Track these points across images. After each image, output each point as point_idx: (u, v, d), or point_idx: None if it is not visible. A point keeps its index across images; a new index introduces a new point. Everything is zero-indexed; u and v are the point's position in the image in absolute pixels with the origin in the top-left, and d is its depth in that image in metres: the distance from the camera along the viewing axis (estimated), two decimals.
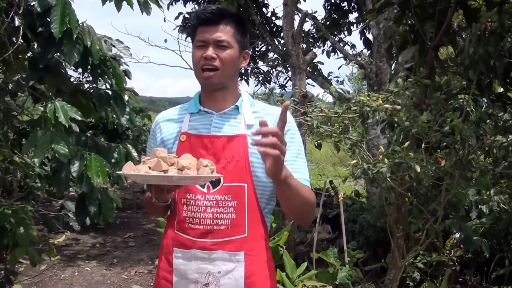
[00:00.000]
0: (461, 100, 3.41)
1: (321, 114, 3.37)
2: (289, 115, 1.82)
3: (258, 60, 9.41)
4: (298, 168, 1.83)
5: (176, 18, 9.10)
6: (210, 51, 1.79)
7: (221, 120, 1.86)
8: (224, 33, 1.81)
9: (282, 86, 9.72)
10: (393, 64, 5.35)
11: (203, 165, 1.61)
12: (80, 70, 3.50)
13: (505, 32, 2.60)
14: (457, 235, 4.17)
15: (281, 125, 1.53)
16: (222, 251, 1.77)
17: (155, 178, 1.56)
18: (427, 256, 4.62)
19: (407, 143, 2.70)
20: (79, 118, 3.20)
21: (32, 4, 2.98)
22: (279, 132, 1.51)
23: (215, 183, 1.79)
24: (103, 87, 3.76)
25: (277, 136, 1.50)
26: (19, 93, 4.37)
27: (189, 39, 9.33)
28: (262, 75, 9.72)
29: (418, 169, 2.53)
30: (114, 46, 3.50)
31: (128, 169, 1.60)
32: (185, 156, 1.65)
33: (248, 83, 9.55)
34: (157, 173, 1.55)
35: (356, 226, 5.59)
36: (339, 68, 16.65)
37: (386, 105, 2.82)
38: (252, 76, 9.68)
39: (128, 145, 3.67)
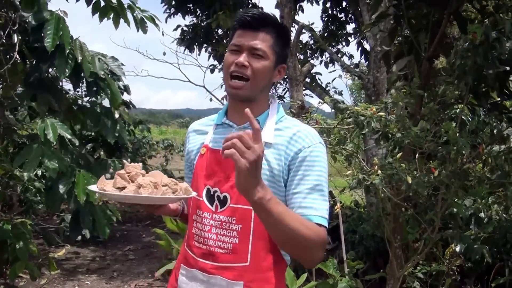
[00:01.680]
0: (457, 110, 3.43)
1: (316, 125, 3.39)
2: (310, 138, 1.66)
3: None
4: (309, 203, 1.60)
5: (175, 30, 9.18)
6: (243, 58, 1.63)
7: None
8: (262, 41, 1.65)
9: (281, 97, 9.77)
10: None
11: (163, 184, 1.54)
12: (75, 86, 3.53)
13: (489, 44, 2.63)
14: (458, 248, 4.16)
15: (251, 133, 1.36)
16: (221, 277, 1.62)
17: (108, 195, 1.54)
18: (426, 266, 4.61)
19: (399, 154, 2.72)
20: (68, 136, 3.22)
21: (27, 19, 3.03)
22: (244, 137, 1.34)
23: (222, 202, 1.66)
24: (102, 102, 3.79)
25: (240, 140, 1.34)
26: (19, 108, 4.41)
27: (187, 51, 9.41)
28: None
29: (410, 180, 2.54)
30: (107, 64, 3.54)
31: (100, 183, 1.57)
32: (153, 174, 1.59)
33: None
34: (112, 190, 1.52)
35: (356, 236, 5.59)
36: (333, 80, 16.26)
37: (380, 113, 2.84)
38: None
39: (124, 161, 3.70)
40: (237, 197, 1.62)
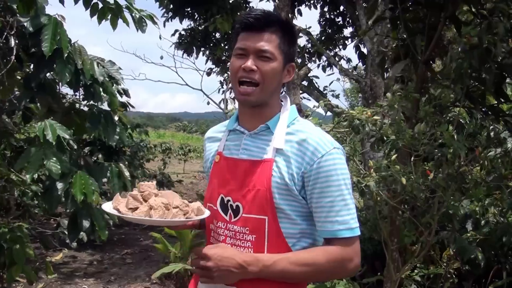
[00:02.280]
0: (455, 113, 3.43)
1: None
2: (323, 145, 1.58)
3: None
4: (333, 216, 1.56)
5: (173, 35, 9.20)
6: (250, 62, 1.57)
7: (251, 142, 1.66)
8: (269, 42, 1.59)
9: None
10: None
11: (173, 206, 1.54)
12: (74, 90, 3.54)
13: (483, 47, 2.65)
14: (452, 248, 4.16)
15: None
16: None
17: (120, 216, 1.56)
18: (424, 269, 4.61)
19: (394, 156, 2.72)
20: (68, 137, 3.22)
21: (24, 24, 3.03)
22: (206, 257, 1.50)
23: (235, 211, 1.62)
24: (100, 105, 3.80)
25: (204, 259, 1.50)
26: (16, 112, 4.41)
27: (184, 55, 9.43)
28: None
29: (404, 181, 2.55)
30: (105, 68, 3.54)
31: (115, 201, 1.59)
32: (166, 194, 1.58)
33: None
34: (125, 211, 1.54)
35: None
36: (330, 83, 16.17)
37: (375, 117, 2.84)
38: None
39: (121, 164, 3.71)
40: (249, 206, 1.59)
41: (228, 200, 1.64)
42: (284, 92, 1.81)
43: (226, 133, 1.75)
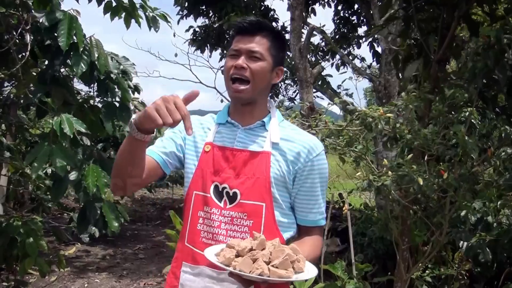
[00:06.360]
0: (467, 113, 3.41)
1: (325, 127, 3.41)
2: (319, 147, 1.77)
3: None
4: (317, 208, 1.79)
5: (187, 31, 9.22)
6: (241, 61, 1.71)
7: (245, 135, 1.79)
8: (259, 45, 1.74)
9: (291, 99, 9.77)
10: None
11: (295, 259, 1.49)
12: (88, 84, 3.57)
13: (499, 47, 2.63)
14: (464, 246, 4.11)
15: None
16: None
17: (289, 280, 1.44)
18: (435, 269, 4.58)
19: (409, 156, 2.72)
20: (84, 131, 3.25)
21: (40, 20, 3.07)
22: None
23: (231, 198, 1.72)
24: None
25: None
26: (31, 107, 4.47)
27: (198, 53, 9.45)
28: (271, 88, 9.79)
29: (421, 182, 2.54)
30: (120, 63, 3.57)
31: (245, 266, 1.44)
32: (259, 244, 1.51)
33: None
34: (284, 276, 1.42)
35: (365, 239, 5.57)
36: (343, 82, 16.23)
37: (388, 114, 2.83)
38: None
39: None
40: (247, 193, 1.70)
41: (224, 188, 1.73)
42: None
43: (215, 126, 1.85)
